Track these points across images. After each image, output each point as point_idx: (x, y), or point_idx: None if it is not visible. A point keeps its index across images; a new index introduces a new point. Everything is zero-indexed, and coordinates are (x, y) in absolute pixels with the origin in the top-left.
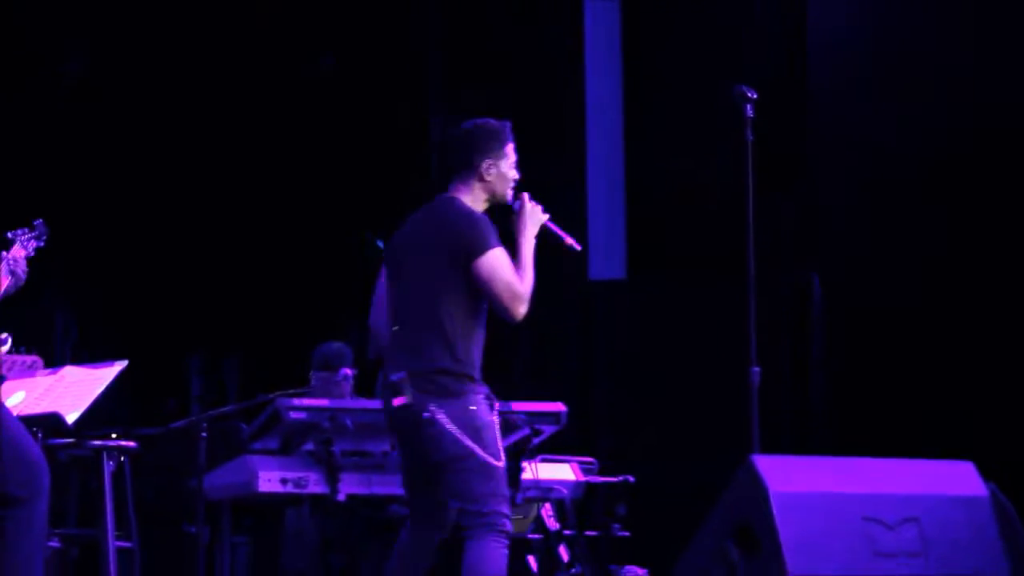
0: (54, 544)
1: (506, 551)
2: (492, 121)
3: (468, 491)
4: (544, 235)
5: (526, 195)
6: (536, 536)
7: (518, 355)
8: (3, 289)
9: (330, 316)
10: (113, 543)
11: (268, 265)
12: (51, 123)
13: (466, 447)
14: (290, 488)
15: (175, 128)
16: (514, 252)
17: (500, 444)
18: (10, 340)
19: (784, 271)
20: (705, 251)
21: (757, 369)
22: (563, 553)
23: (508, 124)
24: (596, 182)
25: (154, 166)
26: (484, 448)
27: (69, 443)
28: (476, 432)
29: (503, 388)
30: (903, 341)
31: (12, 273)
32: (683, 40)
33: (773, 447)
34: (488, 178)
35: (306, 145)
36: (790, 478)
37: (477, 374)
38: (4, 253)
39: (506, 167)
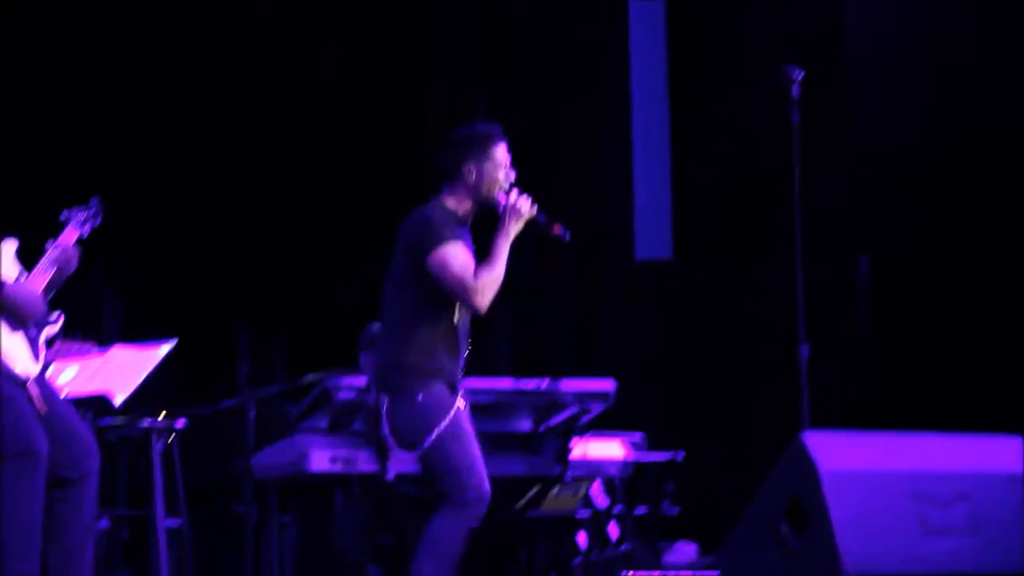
0: (104, 524)
1: (466, 517)
2: (479, 126)
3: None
4: (534, 226)
5: (513, 191)
6: (585, 514)
7: (566, 335)
8: (48, 280)
9: (379, 296)
10: (163, 523)
11: (317, 244)
12: (96, 104)
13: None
14: (339, 468)
15: (222, 107)
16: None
17: (447, 419)
18: (62, 319)
19: (830, 248)
20: (751, 230)
21: (806, 347)
22: (612, 530)
23: (496, 128)
24: (642, 164)
25: (200, 146)
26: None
27: (118, 423)
28: (419, 415)
29: (552, 367)
30: (950, 316)
31: (57, 262)
32: (729, 19)
33: (822, 423)
34: (471, 182)
35: (358, 122)
36: (841, 456)
37: (436, 366)
38: (50, 241)
39: (490, 169)
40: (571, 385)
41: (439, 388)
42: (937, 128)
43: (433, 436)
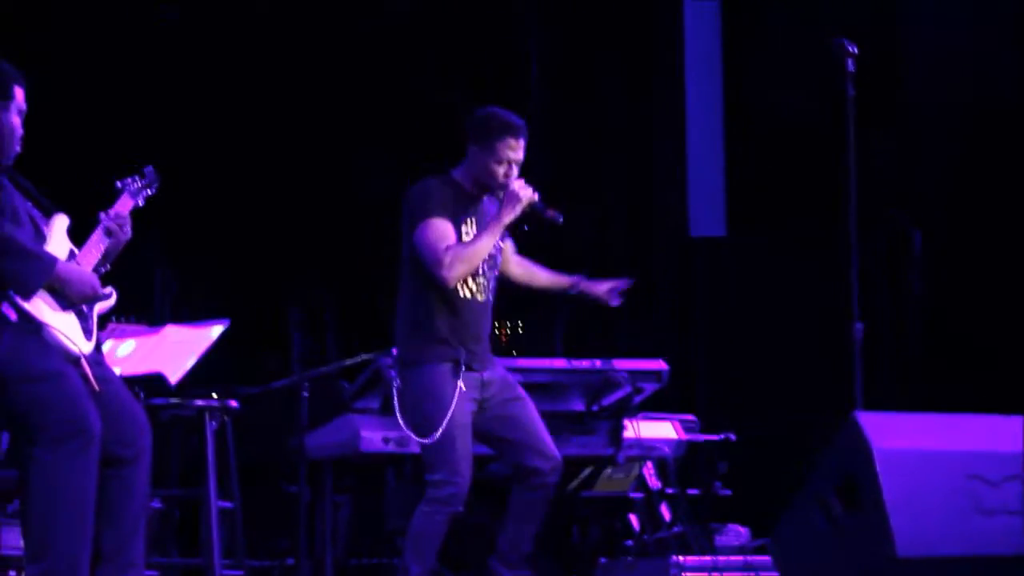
0: (156, 505)
1: (440, 519)
2: (499, 116)
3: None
4: (531, 211)
5: (515, 180)
6: (638, 495)
7: (619, 313)
8: (102, 252)
9: None
10: (215, 503)
11: (372, 222)
12: (149, 73)
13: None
14: (392, 447)
15: (276, 82)
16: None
17: (445, 414)
18: (115, 295)
19: (884, 224)
20: (805, 207)
21: (860, 325)
22: (664, 512)
23: (511, 124)
24: (696, 141)
25: (255, 120)
26: (421, 419)
27: (171, 403)
28: (418, 403)
29: (605, 346)
30: (1005, 293)
31: (110, 233)
32: None
33: (875, 403)
34: (473, 164)
35: (415, 97)
36: (894, 435)
37: (439, 342)
38: (102, 214)
39: (491, 162)
40: (624, 364)
41: (442, 372)
42: (990, 104)
43: (440, 432)
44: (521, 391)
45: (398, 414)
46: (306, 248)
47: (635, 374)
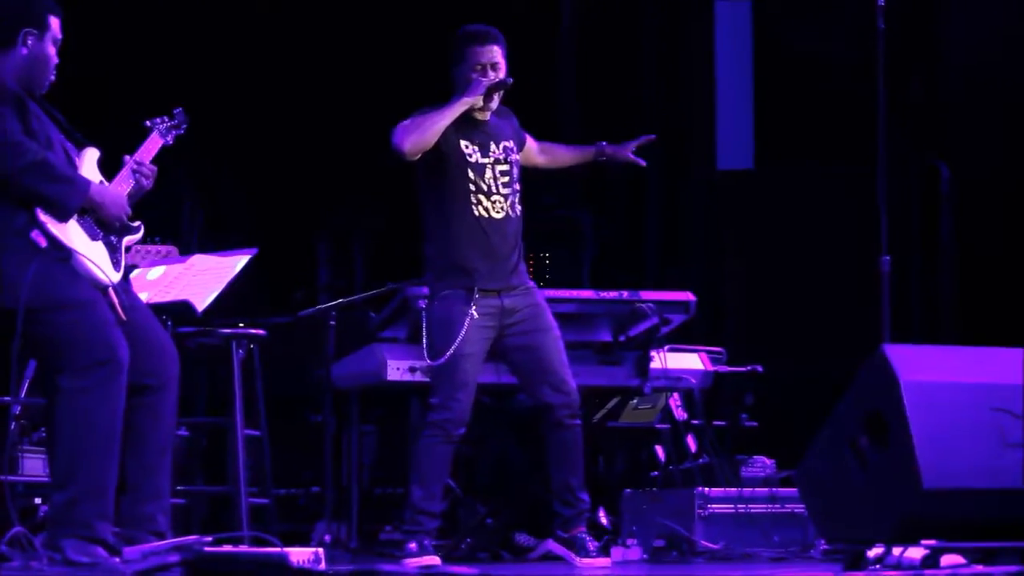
0: (183, 433)
1: (435, 443)
2: (465, 28)
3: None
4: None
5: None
6: (664, 426)
7: (648, 246)
8: (128, 190)
9: None
10: (242, 432)
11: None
12: (179, 10)
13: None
14: (418, 377)
15: (305, 11)
16: None
17: (450, 342)
18: (143, 228)
19: (912, 158)
20: (833, 141)
21: (887, 258)
22: (691, 443)
23: (479, 30)
24: (725, 73)
25: (282, 50)
26: (430, 344)
27: (198, 331)
28: (430, 328)
29: (633, 278)
30: None
31: (134, 176)
32: None
33: (902, 335)
34: (456, 83)
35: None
36: (921, 368)
37: (454, 264)
38: (126, 157)
39: (468, 72)
40: (651, 295)
41: (453, 299)
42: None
43: (447, 357)
44: (551, 323)
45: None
46: (334, 179)
47: (662, 305)
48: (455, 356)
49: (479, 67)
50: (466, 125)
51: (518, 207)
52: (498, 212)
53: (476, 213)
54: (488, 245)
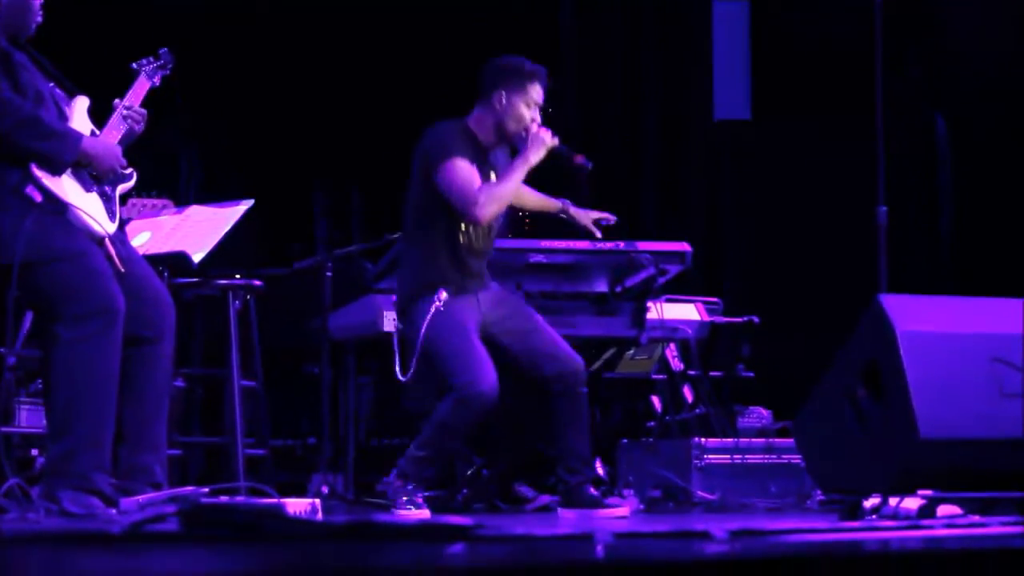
0: (179, 383)
1: (459, 411)
2: (526, 61)
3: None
4: (556, 157)
5: (533, 124)
6: (660, 376)
7: (644, 196)
8: (121, 135)
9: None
10: (238, 382)
11: (396, 102)
12: None
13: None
14: None
15: None
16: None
17: (420, 332)
18: (135, 176)
19: (909, 109)
20: (831, 91)
21: (884, 208)
22: (687, 393)
23: (542, 70)
24: (721, 22)
25: (278, 2)
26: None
27: (195, 282)
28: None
29: (629, 228)
30: None
31: (126, 120)
32: None
33: (900, 286)
34: (497, 109)
35: None
36: (918, 318)
37: (437, 277)
38: (117, 101)
39: (519, 105)
40: (648, 246)
41: (431, 295)
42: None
43: (420, 339)
44: (527, 307)
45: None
46: (331, 131)
47: (659, 255)
48: (454, 332)
49: (534, 105)
50: (477, 155)
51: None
52: (480, 241)
53: (462, 241)
54: (466, 267)
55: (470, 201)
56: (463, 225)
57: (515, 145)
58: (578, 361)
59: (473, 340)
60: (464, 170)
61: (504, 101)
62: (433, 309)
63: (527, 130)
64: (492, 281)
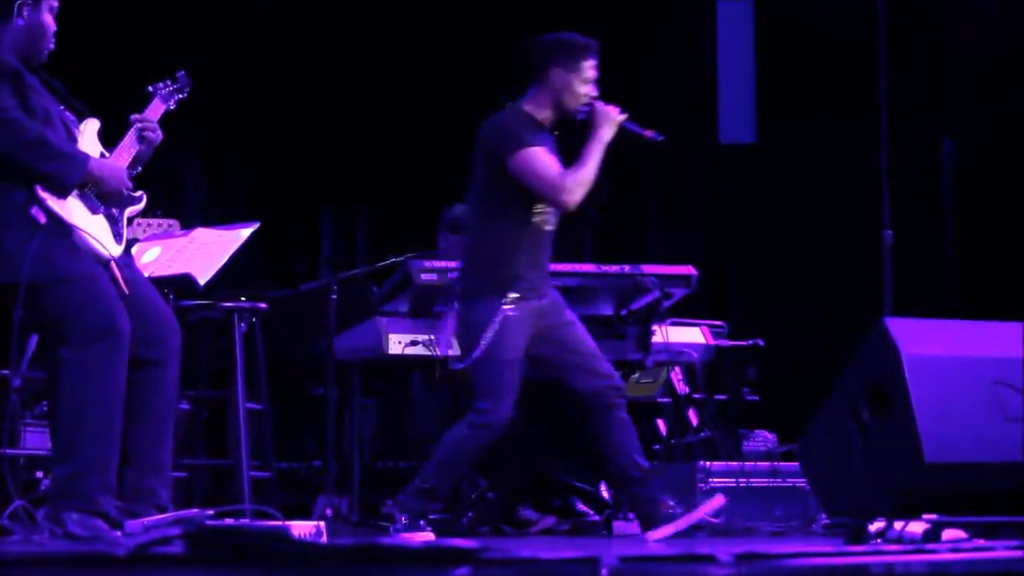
0: (185, 406)
1: (472, 437)
2: (577, 36)
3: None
4: (623, 134)
5: (597, 102)
6: (665, 399)
7: (649, 219)
8: (133, 156)
9: (461, 176)
10: (243, 404)
11: (402, 125)
12: None
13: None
14: (419, 351)
15: None
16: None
17: (504, 344)
18: (145, 198)
19: (914, 133)
20: (835, 114)
21: (890, 232)
22: (692, 417)
23: (593, 43)
24: (726, 47)
25: (283, 17)
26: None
27: (200, 305)
28: (472, 329)
29: (635, 251)
30: None
31: (142, 138)
32: None
33: (905, 309)
34: (554, 87)
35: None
36: (923, 341)
37: (510, 274)
38: (134, 117)
39: (577, 82)
40: (653, 269)
41: (502, 302)
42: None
43: (476, 354)
44: (572, 315)
45: (455, 336)
46: (338, 152)
47: (664, 279)
48: (506, 362)
49: (590, 82)
50: (540, 134)
51: None
52: (550, 224)
53: (535, 226)
54: (542, 256)
55: (557, 187)
56: (539, 217)
57: (573, 120)
58: (617, 375)
59: (516, 372)
60: (541, 157)
61: (560, 79)
62: (498, 323)
63: (586, 105)
64: (551, 288)
